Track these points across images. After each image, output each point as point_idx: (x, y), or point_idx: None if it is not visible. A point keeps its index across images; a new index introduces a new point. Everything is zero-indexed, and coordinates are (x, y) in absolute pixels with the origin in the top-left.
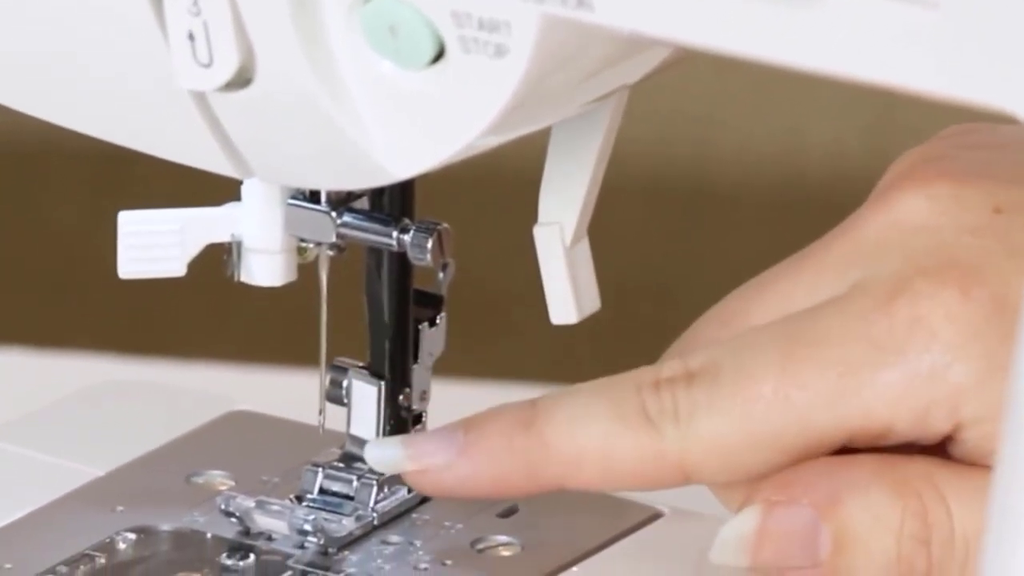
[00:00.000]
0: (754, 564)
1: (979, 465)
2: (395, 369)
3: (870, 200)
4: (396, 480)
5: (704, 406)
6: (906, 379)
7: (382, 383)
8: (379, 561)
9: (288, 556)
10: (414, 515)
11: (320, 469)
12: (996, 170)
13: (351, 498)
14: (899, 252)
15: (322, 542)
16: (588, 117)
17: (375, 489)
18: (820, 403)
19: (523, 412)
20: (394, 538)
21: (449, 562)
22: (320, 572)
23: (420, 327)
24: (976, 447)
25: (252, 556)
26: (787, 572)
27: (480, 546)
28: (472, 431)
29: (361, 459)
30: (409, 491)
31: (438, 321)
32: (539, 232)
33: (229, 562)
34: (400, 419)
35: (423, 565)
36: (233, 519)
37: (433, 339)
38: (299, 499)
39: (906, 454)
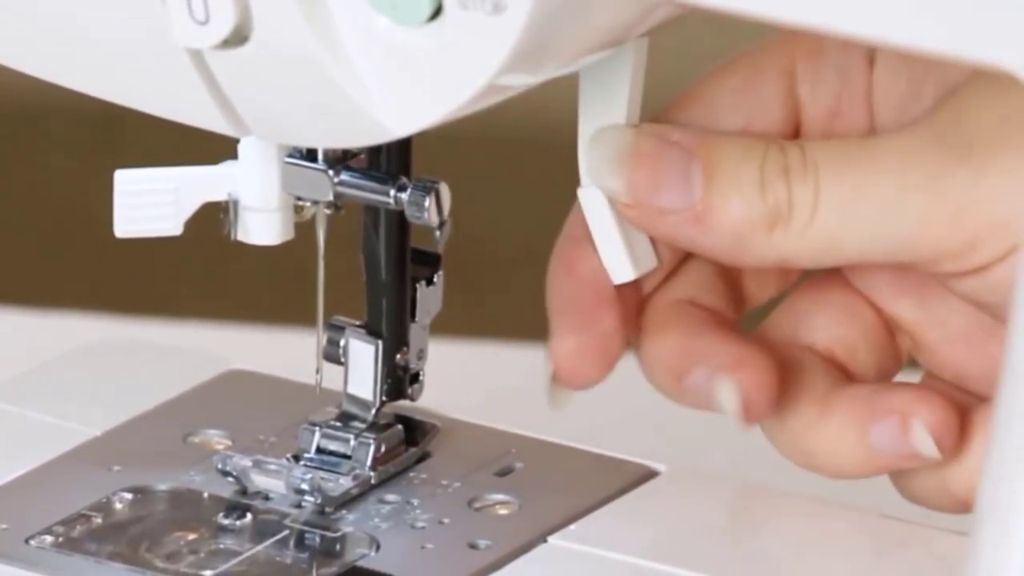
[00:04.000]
0: (628, 188)
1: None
2: (392, 328)
3: None
4: (393, 439)
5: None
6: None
7: (380, 342)
8: (376, 520)
9: (285, 515)
10: (411, 474)
11: (317, 428)
12: None
13: (348, 457)
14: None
15: (319, 501)
16: (611, 69)
17: (372, 448)
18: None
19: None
20: (391, 497)
21: (446, 521)
22: (317, 531)
23: (417, 285)
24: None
25: (249, 515)
26: (663, 216)
27: (477, 505)
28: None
29: (358, 418)
30: (406, 450)
31: (435, 280)
32: (584, 195)
33: (226, 521)
34: (397, 378)
35: (420, 524)
36: (230, 478)
37: (430, 297)
38: (296, 458)
39: None
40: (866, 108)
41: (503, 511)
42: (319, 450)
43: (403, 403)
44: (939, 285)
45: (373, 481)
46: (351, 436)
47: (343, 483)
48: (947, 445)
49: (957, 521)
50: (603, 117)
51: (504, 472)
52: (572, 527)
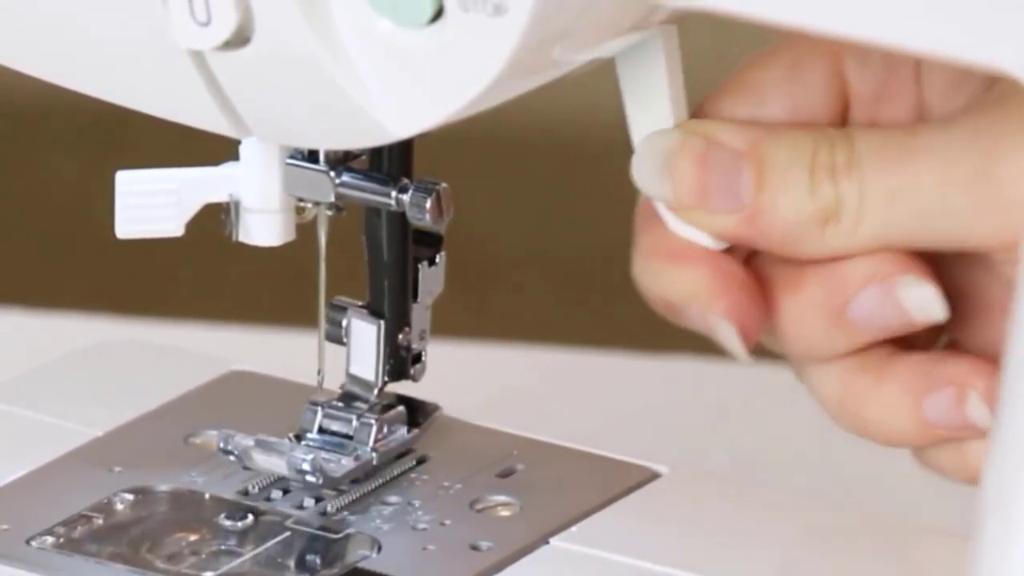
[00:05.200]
0: (677, 195)
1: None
2: (394, 308)
3: None
4: (395, 420)
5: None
6: None
7: (382, 322)
8: (378, 521)
9: (286, 517)
10: (413, 475)
11: (319, 408)
12: None
13: (350, 437)
14: None
15: (321, 481)
16: (644, 59)
17: (374, 429)
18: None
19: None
20: (393, 498)
21: (448, 522)
22: (319, 533)
23: (419, 266)
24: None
25: (250, 517)
26: (713, 218)
27: (479, 506)
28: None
29: (361, 398)
30: (408, 431)
31: (437, 260)
32: None
33: (227, 523)
34: (400, 358)
35: (422, 525)
36: (232, 457)
37: (432, 278)
38: (298, 438)
39: None
40: (913, 91)
41: (505, 512)
42: (321, 430)
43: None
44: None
45: (375, 462)
46: (353, 416)
47: (345, 463)
48: None
49: (957, 521)
50: (647, 109)
51: (506, 473)
52: (574, 528)
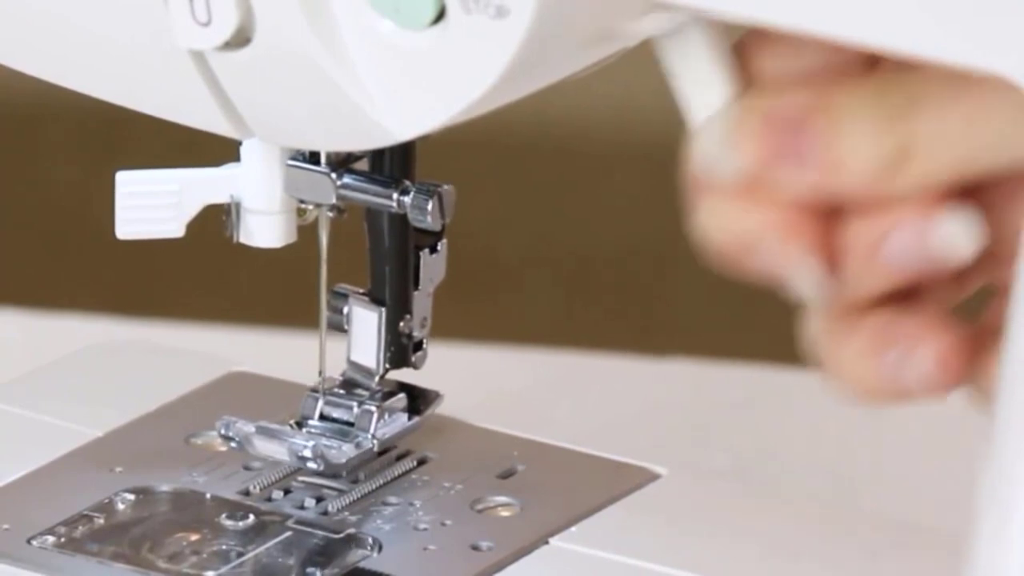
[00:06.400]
0: (746, 157)
1: None
2: (396, 295)
3: None
4: (396, 407)
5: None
6: None
7: (383, 309)
8: (378, 521)
9: (287, 517)
10: (414, 476)
11: (320, 395)
12: None
13: (351, 424)
14: None
15: (322, 468)
16: (687, 41)
17: (375, 416)
18: None
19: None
20: (393, 499)
21: (449, 522)
22: (320, 532)
23: (421, 253)
24: None
25: (251, 517)
26: (795, 184)
27: (479, 507)
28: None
29: (362, 385)
30: (409, 418)
31: (439, 247)
32: None
33: (228, 523)
34: (401, 345)
35: (422, 525)
36: (232, 443)
37: (434, 265)
38: (300, 425)
39: None
40: None
41: (505, 513)
42: (322, 417)
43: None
44: None
45: (376, 448)
46: (354, 403)
47: (346, 450)
48: (947, 377)
49: (956, 522)
50: (700, 85)
51: (506, 474)
52: (574, 529)
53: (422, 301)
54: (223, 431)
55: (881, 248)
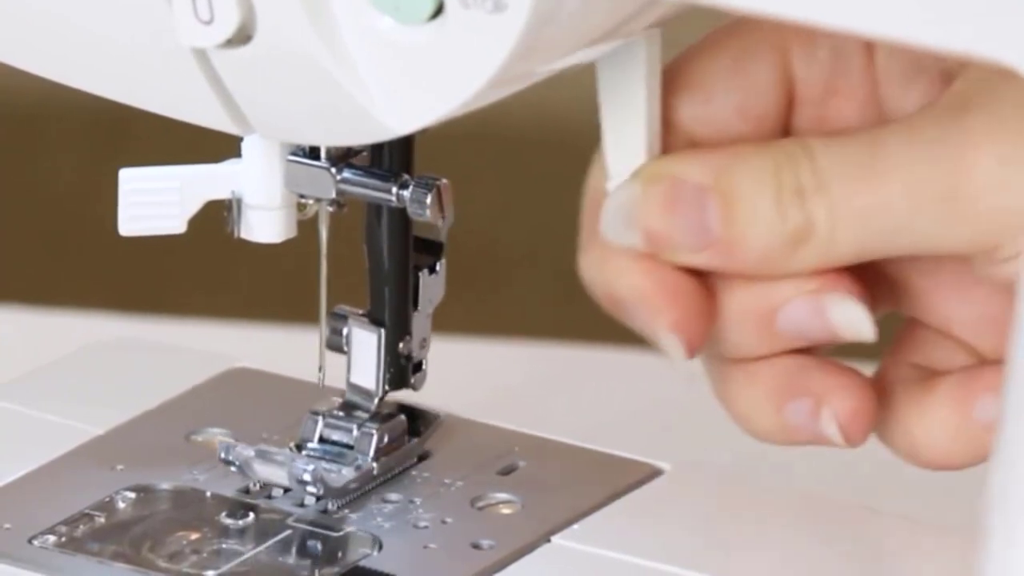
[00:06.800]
0: (647, 241)
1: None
2: (395, 316)
3: None
4: (396, 429)
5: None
6: None
7: (382, 330)
8: (379, 520)
9: (288, 515)
10: (414, 473)
11: (320, 417)
12: None
13: (351, 447)
14: None
15: (321, 492)
16: (625, 62)
17: (375, 438)
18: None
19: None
20: (394, 496)
21: (449, 520)
22: (320, 531)
23: (420, 274)
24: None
25: (252, 515)
26: (688, 255)
27: (480, 504)
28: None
29: (361, 407)
30: (409, 440)
31: (438, 268)
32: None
33: (229, 521)
34: (400, 366)
35: (423, 523)
36: (233, 468)
37: (433, 286)
38: (299, 447)
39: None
40: (864, 86)
41: (506, 510)
42: (322, 439)
43: (406, 391)
44: None
45: (375, 472)
46: (354, 426)
47: (345, 473)
48: (856, 433)
49: (960, 520)
50: (623, 111)
51: (507, 471)
52: (576, 526)
53: (421, 322)
54: (223, 455)
55: (777, 317)
